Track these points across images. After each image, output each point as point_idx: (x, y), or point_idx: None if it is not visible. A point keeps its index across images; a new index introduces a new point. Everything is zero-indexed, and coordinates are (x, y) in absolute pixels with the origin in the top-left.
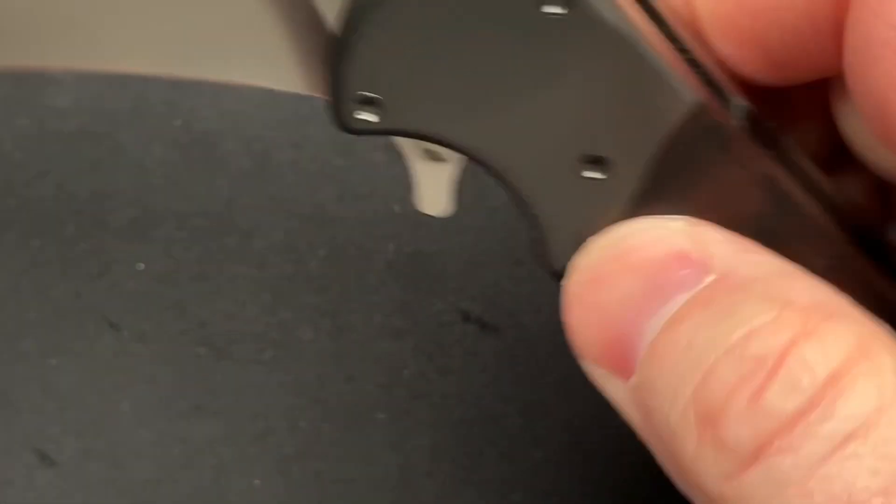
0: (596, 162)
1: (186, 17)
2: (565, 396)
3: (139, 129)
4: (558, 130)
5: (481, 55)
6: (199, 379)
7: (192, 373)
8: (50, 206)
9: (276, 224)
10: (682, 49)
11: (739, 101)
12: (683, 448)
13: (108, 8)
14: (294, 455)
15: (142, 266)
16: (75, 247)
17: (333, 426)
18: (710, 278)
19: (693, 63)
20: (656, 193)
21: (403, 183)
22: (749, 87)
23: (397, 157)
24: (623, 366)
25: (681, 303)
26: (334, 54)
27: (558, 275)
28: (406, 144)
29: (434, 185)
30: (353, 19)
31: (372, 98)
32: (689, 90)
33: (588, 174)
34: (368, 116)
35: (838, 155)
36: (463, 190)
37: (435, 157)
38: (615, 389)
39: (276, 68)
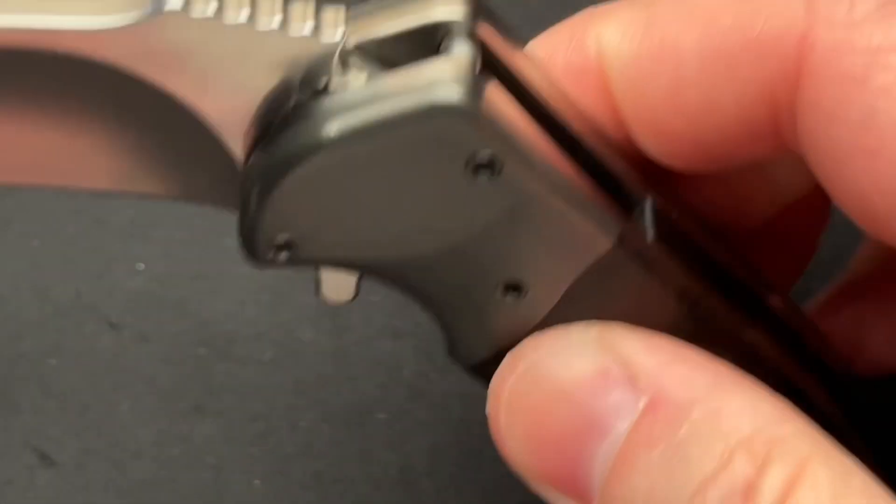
0: (515, 288)
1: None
2: None
3: None
4: (478, 265)
5: (403, 206)
6: (199, 379)
7: (192, 373)
8: (50, 206)
9: None
10: (584, 154)
11: (647, 205)
12: None
13: None
14: (294, 455)
15: (142, 266)
16: (75, 247)
17: (333, 426)
18: (642, 401)
19: (599, 170)
20: (573, 309)
21: None
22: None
23: None
24: (579, 494)
25: (622, 433)
26: (249, 199)
27: (471, 370)
28: None
29: (337, 278)
30: (272, 172)
31: (288, 242)
32: (609, 229)
33: (506, 297)
34: (282, 256)
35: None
36: None
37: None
38: None
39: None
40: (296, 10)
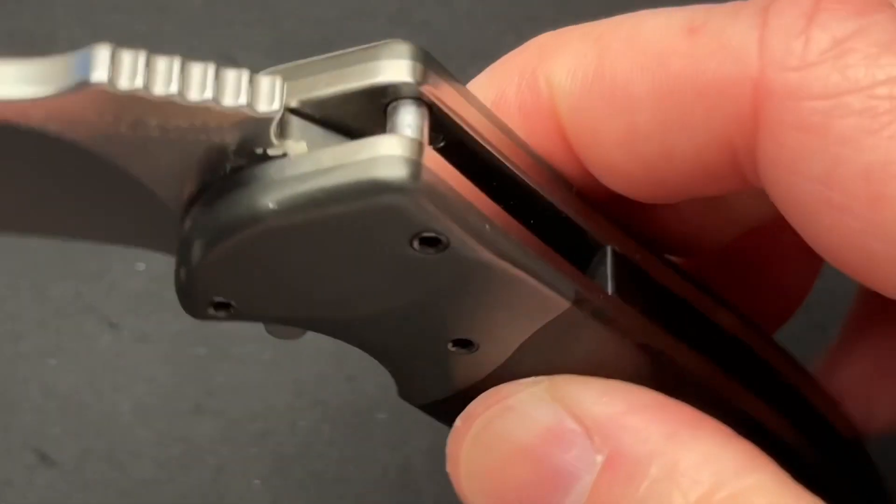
0: (465, 344)
1: None
2: None
3: None
4: (425, 325)
5: (344, 273)
6: (199, 379)
7: (192, 373)
8: None
9: None
10: (541, 205)
11: (608, 252)
12: None
13: None
14: (294, 455)
15: (142, 266)
16: (75, 247)
17: (333, 426)
18: (600, 458)
19: (558, 219)
20: (528, 360)
21: None
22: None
23: None
24: None
25: (583, 492)
26: (184, 259)
27: (424, 409)
28: None
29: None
30: (208, 237)
31: (225, 303)
32: (564, 291)
33: (456, 350)
34: (221, 313)
35: None
36: None
37: None
38: None
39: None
40: (228, 80)
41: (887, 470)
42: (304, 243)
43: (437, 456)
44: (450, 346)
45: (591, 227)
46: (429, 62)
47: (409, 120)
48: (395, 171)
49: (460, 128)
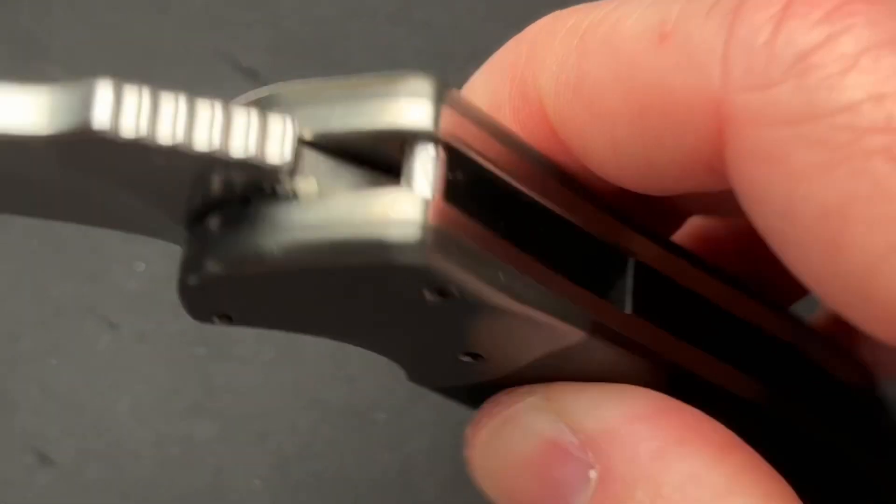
0: (474, 357)
1: None
2: None
3: None
4: (435, 343)
5: (348, 308)
6: (198, 379)
7: (192, 373)
8: None
9: None
10: (559, 224)
11: (628, 267)
12: None
13: None
14: (294, 455)
15: (141, 266)
16: (75, 247)
17: (333, 426)
18: (594, 475)
19: (577, 235)
20: (537, 370)
21: None
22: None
23: None
24: None
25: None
26: (187, 273)
27: (437, 391)
28: None
29: None
30: (210, 266)
31: (226, 315)
32: (580, 322)
33: (465, 360)
34: (222, 321)
35: None
36: None
37: None
38: None
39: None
40: (237, 124)
41: None
42: (311, 281)
43: (437, 456)
44: (459, 355)
45: (613, 240)
46: (450, 99)
47: (425, 168)
48: (407, 236)
49: (479, 163)
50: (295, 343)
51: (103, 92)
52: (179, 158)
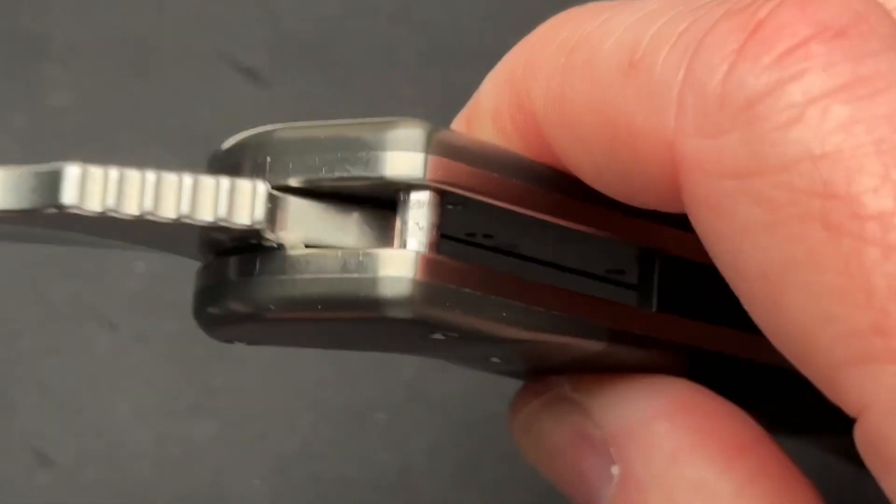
0: (498, 358)
1: None
2: None
3: (138, 128)
4: (454, 358)
5: (350, 343)
6: (198, 379)
7: (192, 373)
8: None
9: None
10: (577, 237)
11: (655, 266)
12: None
13: None
14: (293, 455)
15: (141, 267)
16: (74, 247)
17: (333, 426)
18: (616, 471)
19: (595, 242)
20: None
21: None
22: None
23: None
24: None
25: (610, 500)
26: (201, 305)
27: None
28: None
29: None
30: (213, 313)
31: (237, 340)
32: (598, 335)
33: (491, 360)
34: (241, 343)
35: None
36: None
37: None
38: None
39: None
40: (204, 189)
41: None
42: (308, 329)
43: (437, 456)
44: (480, 361)
45: (634, 240)
46: (440, 144)
47: (417, 218)
48: (397, 292)
49: (476, 200)
50: None
51: (71, 172)
52: (151, 225)
